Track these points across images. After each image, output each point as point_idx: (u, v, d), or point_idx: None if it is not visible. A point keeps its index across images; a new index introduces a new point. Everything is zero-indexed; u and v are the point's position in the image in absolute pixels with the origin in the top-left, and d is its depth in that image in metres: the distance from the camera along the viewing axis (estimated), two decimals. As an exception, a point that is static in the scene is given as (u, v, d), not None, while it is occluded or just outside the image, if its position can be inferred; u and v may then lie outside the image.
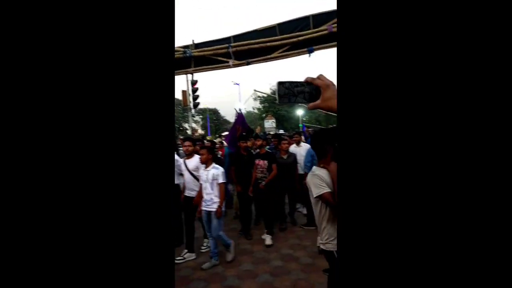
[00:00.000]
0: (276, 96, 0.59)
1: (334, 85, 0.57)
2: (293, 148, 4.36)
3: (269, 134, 6.73)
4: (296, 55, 5.12)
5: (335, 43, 4.74)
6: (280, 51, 5.14)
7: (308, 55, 5.01)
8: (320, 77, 0.58)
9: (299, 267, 2.95)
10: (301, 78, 0.61)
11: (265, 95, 22.56)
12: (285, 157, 3.97)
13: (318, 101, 0.58)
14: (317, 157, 1.77)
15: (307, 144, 4.79)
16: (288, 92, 0.59)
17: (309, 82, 0.59)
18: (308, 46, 4.95)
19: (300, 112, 24.01)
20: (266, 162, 3.73)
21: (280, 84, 0.59)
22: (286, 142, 4.05)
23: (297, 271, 2.85)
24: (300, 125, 19.10)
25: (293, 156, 4.05)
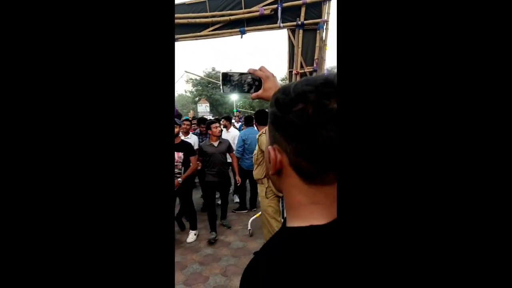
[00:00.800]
0: (221, 86, 0.62)
1: (274, 76, 0.62)
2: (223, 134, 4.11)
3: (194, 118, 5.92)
4: (228, 35, 4.89)
5: (267, 25, 4.70)
6: (211, 29, 4.83)
7: (240, 36, 4.84)
8: (262, 68, 0.62)
9: (230, 252, 2.91)
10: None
11: (197, 77, 21.61)
12: (216, 144, 3.28)
13: (260, 91, 0.62)
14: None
15: (236, 130, 4.68)
16: (232, 82, 0.62)
17: (251, 73, 0.62)
18: (240, 26, 4.77)
19: (235, 97, 23.92)
20: (181, 154, 3.07)
21: (224, 74, 0.62)
22: (216, 126, 3.30)
23: (227, 257, 2.80)
24: (235, 110, 19.05)
25: (226, 143, 3.38)
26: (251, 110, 21.91)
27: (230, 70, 0.70)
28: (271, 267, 0.37)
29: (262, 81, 0.61)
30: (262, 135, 2.40)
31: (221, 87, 0.63)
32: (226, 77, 0.62)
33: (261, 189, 2.38)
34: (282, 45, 5.27)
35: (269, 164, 0.42)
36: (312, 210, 0.39)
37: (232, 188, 4.14)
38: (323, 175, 0.38)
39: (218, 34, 4.83)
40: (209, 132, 3.35)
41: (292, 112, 0.37)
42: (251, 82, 0.62)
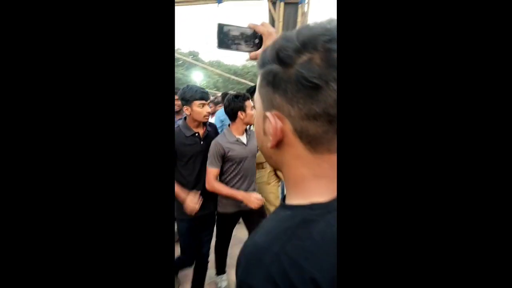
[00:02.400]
0: (216, 39, 0.52)
1: (276, 33, 0.58)
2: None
3: None
4: (203, 3, 4.39)
5: (247, -5, 4.28)
6: (183, -5, 4.27)
7: (216, 4, 4.36)
8: (264, 24, 0.55)
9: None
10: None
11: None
12: (244, 140, 1.77)
13: (260, 50, 0.55)
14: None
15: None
16: (228, 37, 0.53)
17: (251, 28, 0.54)
18: (217, -7, 4.29)
19: (199, 77, 22.81)
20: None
21: (221, 27, 0.52)
22: (251, 104, 1.70)
23: (218, 248, 2.57)
24: (199, 90, 18.17)
25: (255, 138, 1.79)
26: (215, 90, 21.15)
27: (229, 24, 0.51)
28: (268, 250, 0.34)
29: (264, 38, 0.54)
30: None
31: (216, 41, 0.54)
32: (223, 30, 0.53)
33: (261, 175, 2.15)
34: (262, 19, 4.92)
35: (263, 136, 0.38)
36: (315, 185, 0.36)
37: None
38: (330, 140, 0.35)
39: (192, 1, 4.29)
40: (240, 115, 1.63)
41: (297, 65, 0.32)
42: (250, 38, 0.54)
